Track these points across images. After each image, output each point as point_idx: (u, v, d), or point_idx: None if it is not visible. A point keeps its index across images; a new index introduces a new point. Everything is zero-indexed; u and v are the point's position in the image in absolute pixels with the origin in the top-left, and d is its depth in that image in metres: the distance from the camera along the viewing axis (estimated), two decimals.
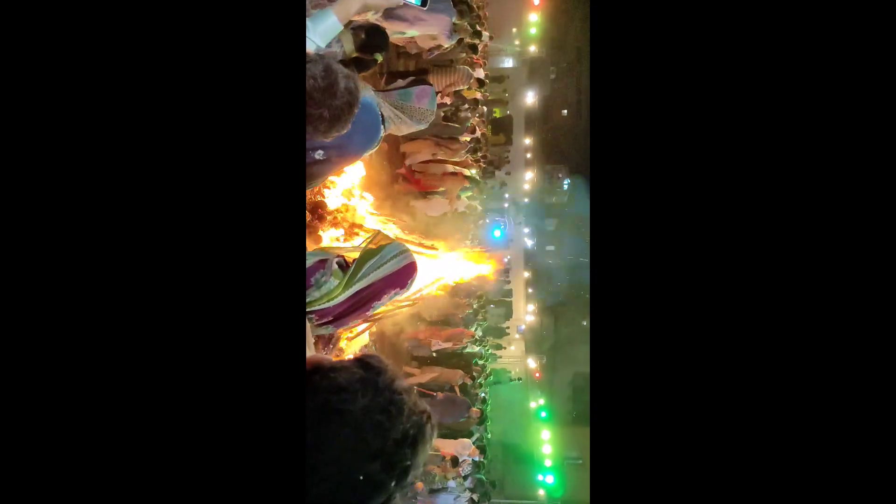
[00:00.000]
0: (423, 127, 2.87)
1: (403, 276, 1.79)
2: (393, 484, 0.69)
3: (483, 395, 7.92)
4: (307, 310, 1.70)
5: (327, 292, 1.69)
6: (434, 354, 6.63)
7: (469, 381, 6.61)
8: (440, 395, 5.94)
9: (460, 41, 5.18)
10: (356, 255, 1.77)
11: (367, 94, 1.89)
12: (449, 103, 5.92)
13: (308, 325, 1.74)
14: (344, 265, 1.75)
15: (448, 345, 6.69)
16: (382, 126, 2.00)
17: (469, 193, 6.79)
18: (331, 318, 1.76)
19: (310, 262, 1.68)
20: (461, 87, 5.56)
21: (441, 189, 6.49)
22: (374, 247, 1.78)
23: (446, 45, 4.78)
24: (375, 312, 4.07)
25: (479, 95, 7.36)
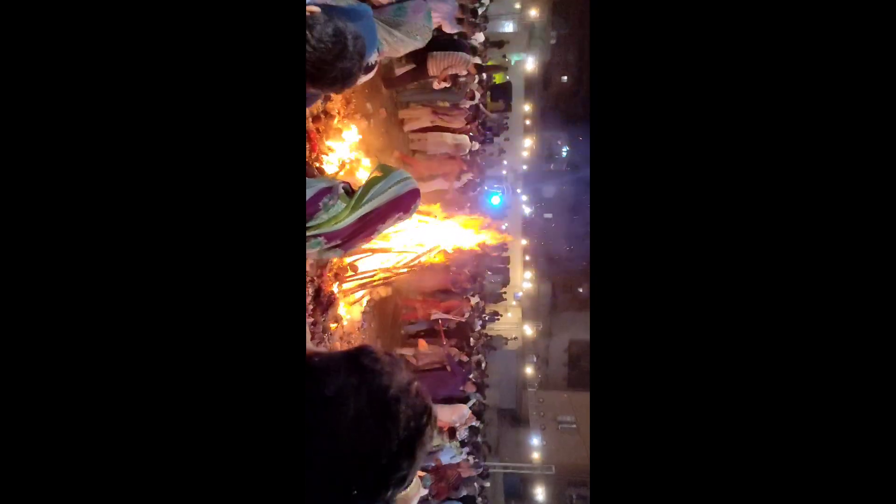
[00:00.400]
0: (420, 45, 2.75)
1: (408, 200, 1.86)
2: (389, 494, 0.64)
3: (480, 360, 8.06)
4: (316, 233, 1.77)
5: (335, 215, 1.77)
6: (428, 327, 6.70)
7: (466, 358, 6.65)
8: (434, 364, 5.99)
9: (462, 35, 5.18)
10: (361, 183, 1.87)
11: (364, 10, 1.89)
12: (448, 86, 5.86)
13: (314, 251, 1.82)
14: (350, 191, 1.83)
15: (448, 316, 6.75)
16: (376, 51, 2.02)
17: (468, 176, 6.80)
18: (339, 242, 1.84)
19: (316, 188, 1.75)
20: (460, 73, 5.52)
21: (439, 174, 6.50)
22: (378, 174, 1.86)
23: (449, 31, 4.78)
24: (374, 279, 4.09)
25: (478, 60, 7.22)
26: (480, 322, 8.49)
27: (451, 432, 5.82)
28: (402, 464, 0.64)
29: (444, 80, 5.51)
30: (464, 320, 7.06)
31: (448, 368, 5.96)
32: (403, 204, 1.85)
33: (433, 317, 6.63)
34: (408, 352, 6.11)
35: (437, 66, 5.22)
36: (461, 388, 6.06)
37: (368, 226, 1.84)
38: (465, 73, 5.65)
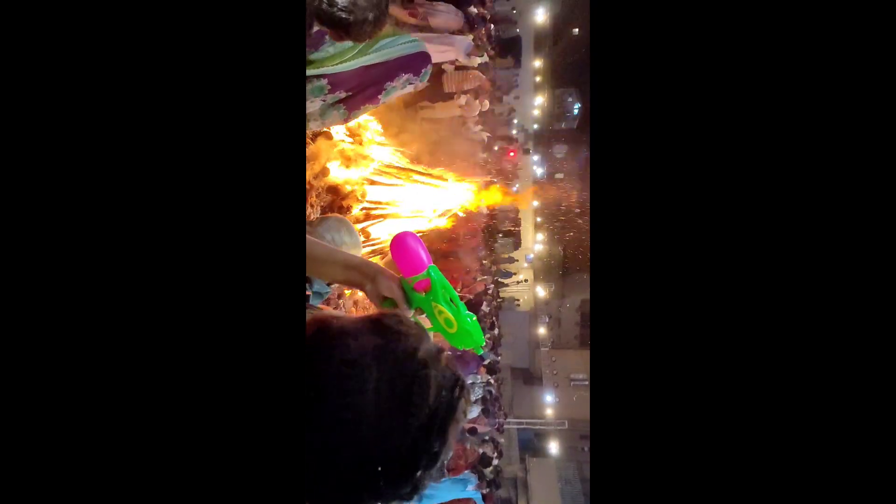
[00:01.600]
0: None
1: (418, 61, 1.78)
2: (419, 474, 0.57)
3: (493, 321, 8.18)
4: (318, 72, 1.65)
5: (340, 51, 1.65)
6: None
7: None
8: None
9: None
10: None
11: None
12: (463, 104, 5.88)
13: (316, 98, 1.71)
14: None
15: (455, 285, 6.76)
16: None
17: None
18: (343, 94, 1.71)
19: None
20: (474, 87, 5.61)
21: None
22: (390, 31, 1.78)
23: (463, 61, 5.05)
24: (387, 246, 4.10)
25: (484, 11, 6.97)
26: (491, 286, 8.54)
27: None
28: (432, 441, 0.56)
29: (458, 95, 5.58)
30: (471, 296, 7.08)
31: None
32: (414, 65, 1.76)
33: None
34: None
35: (452, 82, 5.30)
36: (475, 370, 6.13)
37: (376, 80, 1.73)
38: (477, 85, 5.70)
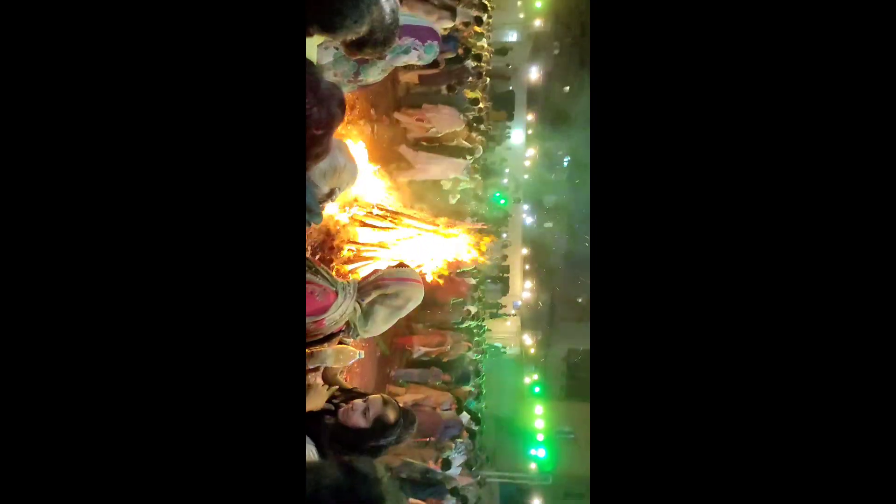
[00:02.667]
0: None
1: (425, 32, 1.82)
2: None
3: (479, 368, 8.04)
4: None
5: None
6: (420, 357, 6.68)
7: (454, 408, 6.53)
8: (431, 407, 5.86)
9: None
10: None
11: None
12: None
13: (328, 52, 1.69)
14: None
15: (432, 349, 6.73)
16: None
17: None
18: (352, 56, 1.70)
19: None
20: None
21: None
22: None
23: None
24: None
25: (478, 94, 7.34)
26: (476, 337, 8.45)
27: (446, 464, 5.72)
28: None
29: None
30: (446, 350, 7.00)
31: (431, 438, 5.83)
32: (419, 34, 1.79)
33: (416, 353, 6.60)
34: (397, 391, 6.05)
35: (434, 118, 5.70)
36: (457, 434, 6.00)
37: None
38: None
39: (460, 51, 6.25)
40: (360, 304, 1.68)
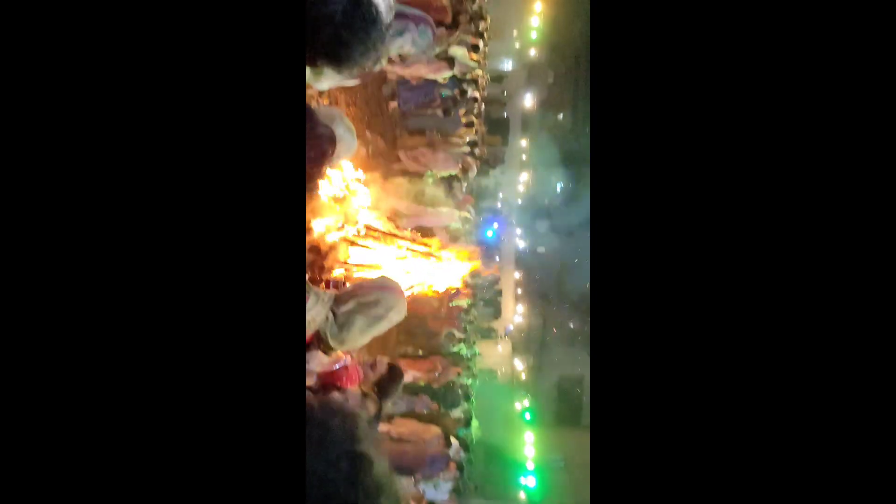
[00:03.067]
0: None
1: (419, 18, 1.80)
2: None
3: (469, 392, 7.93)
4: None
5: None
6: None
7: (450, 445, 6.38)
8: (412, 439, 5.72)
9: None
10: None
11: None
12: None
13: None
14: None
15: (421, 375, 6.66)
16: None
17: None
18: None
19: None
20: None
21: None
22: None
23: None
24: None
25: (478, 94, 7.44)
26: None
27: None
28: None
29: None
30: (435, 377, 6.93)
31: (416, 474, 5.73)
32: (413, 19, 1.78)
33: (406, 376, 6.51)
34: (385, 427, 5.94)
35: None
36: (443, 468, 5.89)
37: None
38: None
39: (457, 91, 6.41)
40: (334, 312, 1.55)
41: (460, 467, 6.48)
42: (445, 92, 6.27)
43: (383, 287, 1.67)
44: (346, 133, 1.70)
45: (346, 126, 1.70)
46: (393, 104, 6.14)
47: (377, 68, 1.36)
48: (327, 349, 1.58)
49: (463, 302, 7.86)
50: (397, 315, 1.66)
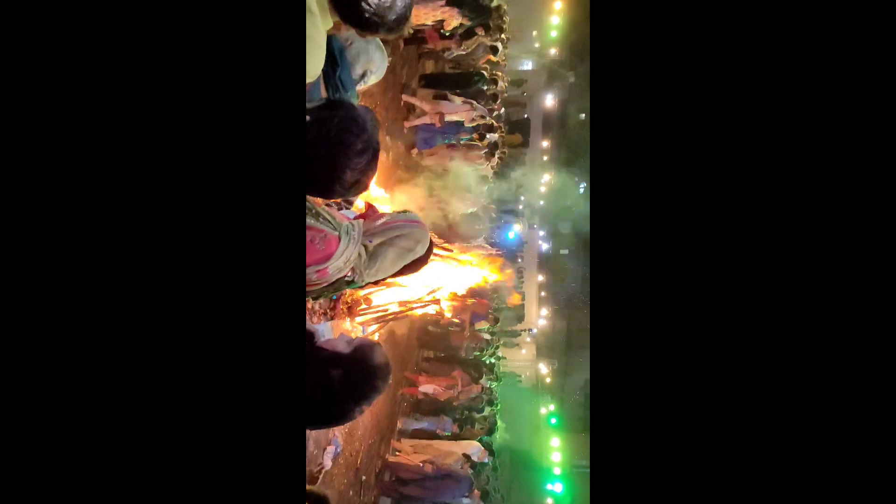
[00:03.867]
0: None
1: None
2: None
3: (493, 397, 7.86)
4: None
5: None
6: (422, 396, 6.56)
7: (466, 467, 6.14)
8: (433, 467, 5.63)
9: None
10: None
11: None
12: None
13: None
14: None
15: (439, 390, 6.57)
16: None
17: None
18: None
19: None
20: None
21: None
22: None
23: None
24: (388, 314, 4.01)
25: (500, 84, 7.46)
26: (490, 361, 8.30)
27: (467, 457, 5.57)
28: None
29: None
30: (455, 395, 6.80)
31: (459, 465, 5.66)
32: None
33: (421, 390, 6.46)
34: (401, 448, 5.89)
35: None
36: (466, 493, 5.76)
37: None
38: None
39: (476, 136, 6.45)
40: (366, 245, 1.59)
41: (485, 495, 6.34)
42: (465, 138, 6.39)
43: (410, 220, 1.72)
44: (378, 51, 1.79)
45: (378, 46, 1.80)
46: (414, 151, 6.21)
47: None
48: (361, 281, 1.62)
49: (485, 327, 7.85)
50: (423, 248, 1.74)
